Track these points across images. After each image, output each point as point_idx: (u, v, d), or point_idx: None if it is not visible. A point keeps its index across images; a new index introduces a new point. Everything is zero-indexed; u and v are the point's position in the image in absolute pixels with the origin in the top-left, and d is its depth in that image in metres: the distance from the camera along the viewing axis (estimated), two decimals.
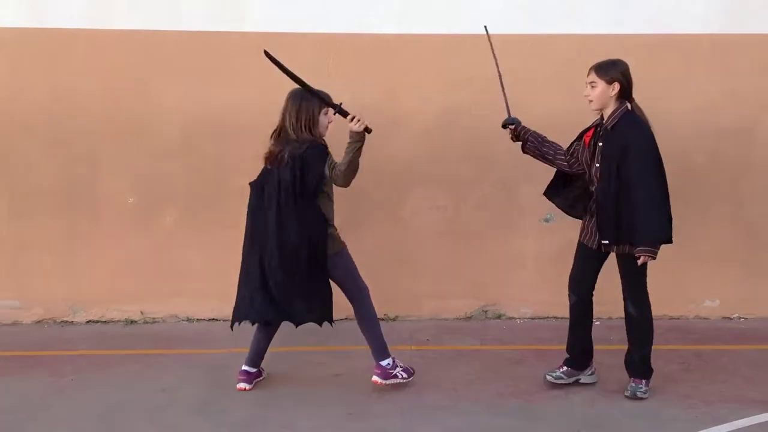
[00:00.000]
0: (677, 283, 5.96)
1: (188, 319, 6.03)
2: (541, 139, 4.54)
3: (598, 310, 5.95)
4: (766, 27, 5.78)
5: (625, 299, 4.51)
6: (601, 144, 4.31)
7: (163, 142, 5.87)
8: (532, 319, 6.05)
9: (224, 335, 5.68)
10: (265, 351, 4.66)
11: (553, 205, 4.71)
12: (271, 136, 4.45)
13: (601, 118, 4.36)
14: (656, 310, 5.95)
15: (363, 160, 5.80)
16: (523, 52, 5.73)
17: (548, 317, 6.03)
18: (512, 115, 4.51)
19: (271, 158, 4.37)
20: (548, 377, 4.63)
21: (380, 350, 4.53)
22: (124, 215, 5.93)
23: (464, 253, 6.00)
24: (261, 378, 4.72)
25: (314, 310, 4.39)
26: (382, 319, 5.92)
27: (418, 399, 4.44)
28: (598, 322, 5.90)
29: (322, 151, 4.37)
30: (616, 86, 4.25)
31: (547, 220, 5.93)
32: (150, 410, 4.35)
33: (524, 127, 4.54)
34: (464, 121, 5.73)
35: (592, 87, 4.29)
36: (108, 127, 5.84)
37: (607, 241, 4.34)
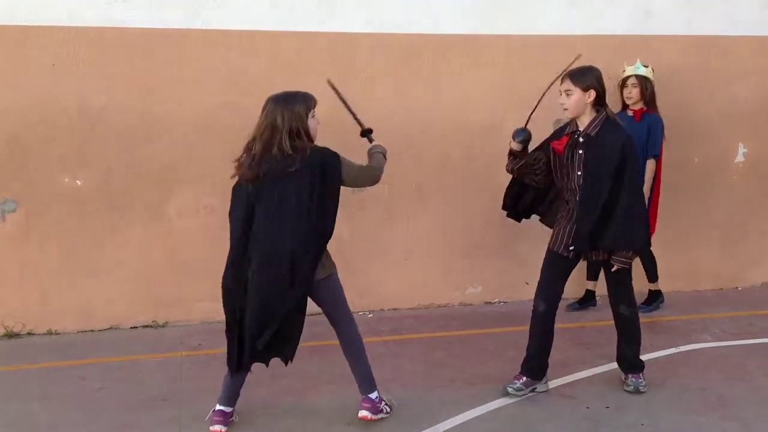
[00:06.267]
0: (443, 272, 6.22)
1: None
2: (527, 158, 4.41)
3: (367, 302, 6.12)
4: (517, 28, 6.09)
5: (615, 304, 4.47)
6: (581, 151, 4.23)
7: None
8: (309, 315, 6.03)
9: None
10: (242, 386, 4.09)
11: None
12: (247, 156, 3.90)
13: (575, 125, 4.29)
14: (423, 300, 6.25)
15: (126, 160, 5.56)
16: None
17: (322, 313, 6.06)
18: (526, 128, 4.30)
19: (258, 178, 3.86)
20: (509, 389, 4.44)
21: (370, 380, 4.13)
22: None
23: None
24: (232, 420, 4.13)
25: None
26: (150, 326, 5.71)
27: (191, 407, 4.29)
28: (370, 315, 6.07)
29: (335, 154, 3.90)
30: (592, 93, 4.19)
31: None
32: None
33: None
34: (225, 120, 5.59)
35: (568, 95, 4.20)
36: None
37: (574, 249, 4.30)
